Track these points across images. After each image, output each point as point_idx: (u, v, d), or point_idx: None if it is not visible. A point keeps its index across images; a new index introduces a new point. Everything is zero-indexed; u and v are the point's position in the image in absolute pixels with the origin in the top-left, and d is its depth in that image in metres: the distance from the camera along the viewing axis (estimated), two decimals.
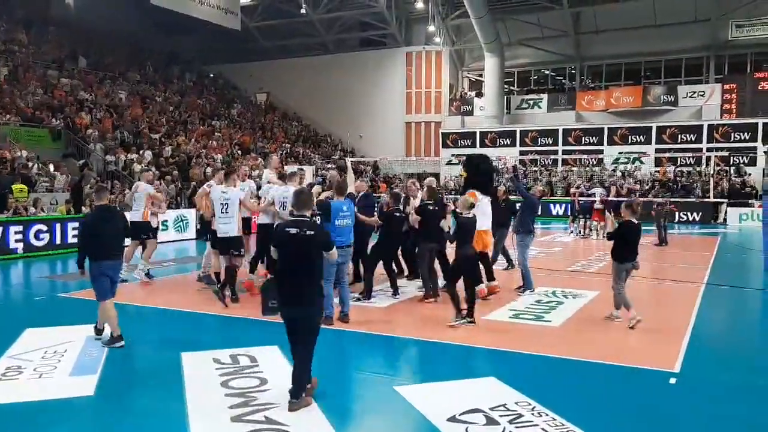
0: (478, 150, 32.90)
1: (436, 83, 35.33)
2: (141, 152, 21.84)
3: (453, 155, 32.85)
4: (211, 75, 38.77)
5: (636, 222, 7.80)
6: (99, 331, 6.87)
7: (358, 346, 6.98)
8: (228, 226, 8.64)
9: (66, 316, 7.76)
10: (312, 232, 5.00)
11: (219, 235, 8.73)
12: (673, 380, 5.63)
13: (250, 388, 5.31)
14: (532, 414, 4.77)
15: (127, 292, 10.53)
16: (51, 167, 18.09)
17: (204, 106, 31.85)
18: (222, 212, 8.66)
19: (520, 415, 4.74)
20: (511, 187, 18.12)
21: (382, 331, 7.40)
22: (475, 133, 33.61)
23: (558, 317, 8.07)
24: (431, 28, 32.82)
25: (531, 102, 34.35)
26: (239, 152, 27.18)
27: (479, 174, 9.23)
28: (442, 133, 34.41)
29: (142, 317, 8.39)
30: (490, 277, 9.23)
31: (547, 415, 4.74)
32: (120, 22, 33.88)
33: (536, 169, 30.84)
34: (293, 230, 4.98)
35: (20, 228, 13.62)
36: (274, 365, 5.96)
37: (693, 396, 5.37)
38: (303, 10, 31.62)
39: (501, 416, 4.72)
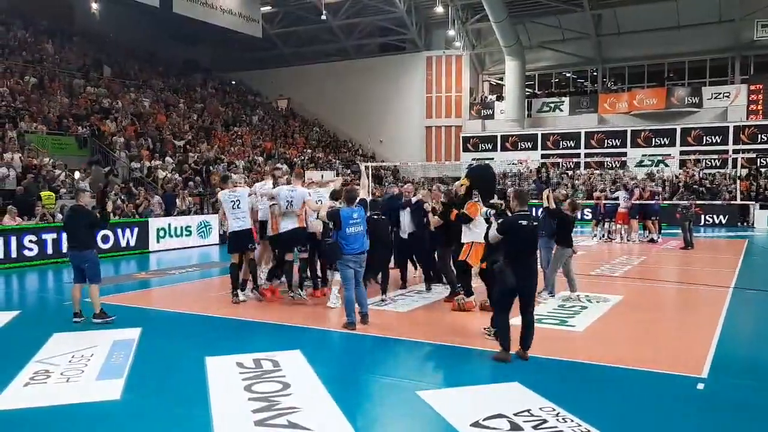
0: (499, 154, 32.86)
1: (456, 87, 35.26)
2: (165, 159, 22.15)
3: (474, 159, 32.68)
4: (233, 82, 39.17)
5: (570, 215, 9.49)
6: (97, 315, 7.98)
7: (381, 351, 6.97)
8: (241, 222, 9.13)
9: (90, 320, 7.89)
10: (536, 223, 6.47)
11: (233, 230, 9.16)
12: (701, 386, 5.54)
13: (274, 393, 5.33)
14: (557, 420, 4.71)
15: (150, 296, 10.68)
16: (76, 174, 18.39)
17: (226, 113, 32.18)
18: (234, 208, 9.10)
19: (545, 421, 4.69)
20: (533, 190, 17.99)
21: (405, 335, 7.39)
22: (495, 136, 33.50)
23: (582, 322, 7.98)
24: (451, 33, 32.76)
25: (552, 105, 34.09)
26: (261, 158, 27.35)
27: (483, 181, 8.83)
28: (462, 137, 34.33)
29: (167, 322, 8.49)
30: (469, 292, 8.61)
31: (572, 420, 4.69)
32: (141, 30, 34.44)
33: (559, 172, 30.55)
34: (524, 222, 6.26)
35: (54, 235, 13.88)
36: (297, 370, 5.97)
37: (721, 402, 5.27)
38: (323, 17, 31.79)
39: (525, 422, 4.68)
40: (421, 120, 35.59)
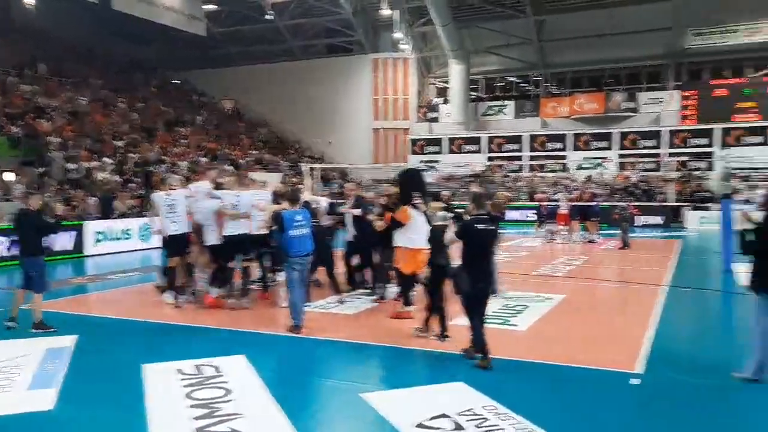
0: (446, 156, 33.29)
1: (403, 90, 35.51)
2: (103, 160, 21.45)
3: (421, 161, 33.11)
4: (176, 81, 38.30)
5: (497, 215, 8.97)
6: (37, 325, 7.63)
7: (327, 354, 6.94)
8: (178, 225, 8.95)
9: (25, 328, 7.55)
10: (493, 227, 6.38)
11: (170, 234, 8.96)
12: (635, 381, 5.74)
13: (215, 399, 5.23)
14: (498, 418, 4.80)
15: (87, 302, 10.31)
16: (8, 176, 17.57)
17: (168, 113, 31.43)
18: (170, 211, 8.92)
19: (486, 419, 4.77)
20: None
21: (351, 338, 7.37)
22: (442, 139, 33.90)
23: (525, 321, 8.14)
24: (398, 35, 32.90)
25: (497, 108, 34.75)
26: (205, 159, 26.82)
27: (413, 183, 8.80)
28: (410, 139, 34.59)
29: (105, 328, 8.20)
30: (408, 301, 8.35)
31: (513, 418, 4.78)
32: (81, 28, 33.28)
33: (502, 174, 31.23)
34: (481, 225, 6.23)
35: None
36: (240, 375, 5.88)
37: (656, 396, 5.48)
38: (269, 16, 31.42)
39: (468, 421, 4.74)
40: (368, 122, 35.65)
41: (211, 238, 8.92)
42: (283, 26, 34.43)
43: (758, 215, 5.93)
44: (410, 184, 8.51)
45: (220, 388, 5.52)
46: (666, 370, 6.11)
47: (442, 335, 7.05)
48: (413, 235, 7.91)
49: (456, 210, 8.01)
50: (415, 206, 8.05)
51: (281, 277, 8.64)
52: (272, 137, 36.37)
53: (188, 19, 30.42)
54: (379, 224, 8.84)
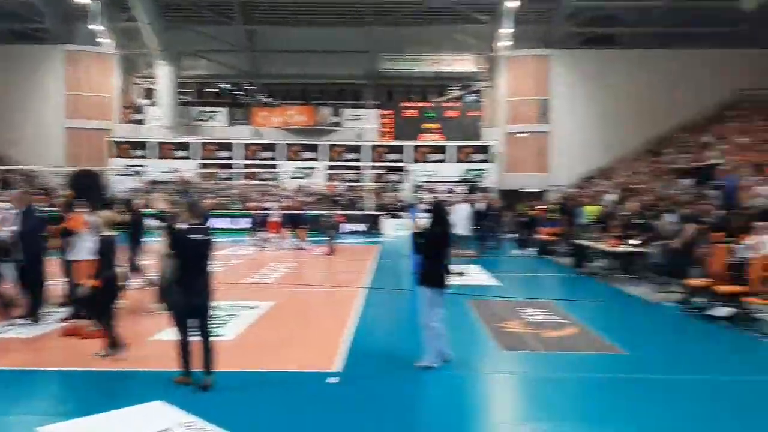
0: (154, 161, 31.45)
1: (104, 88, 32.56)
2: None
3: (128, 166, 30.85)
4: None
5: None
6: None
7: None
8: None
9: None
10: (208, 237, 5.97)
11: None
12: (333, 379, 6.07)
13: None
14: None
15: None
16: None
17: None
18: None
19: None
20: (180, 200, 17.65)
21: (26, 364, 6.45)
22: (149, 143, 31.94)
23: (232, 330, 8.05)
24: (96, 28, 29.90)
25: (209, 114, 34.07)
26: None
27: (90, 190, 8.37)
28: (111, 141, 31.82)
29: None
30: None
31: (212, 430, 4.65)
32: None
33: (214, 181, 30.79)
34: (194, 235, 5.80)
35: None
36: None
37: (348, 391, 5.84)
38: None
39: None
40: (60, 120, 31.83)
41: None
42: None
43: (425, 222, 6.80)
44: (81, 190, 7.97)
45: None
46: (360, 366, 6.58)
47: (113, 348, 6.61)
48: (89, 245, 7.38)
49: (164, 218, 7.56)
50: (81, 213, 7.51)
51: None
52: None
53: None
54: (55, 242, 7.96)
